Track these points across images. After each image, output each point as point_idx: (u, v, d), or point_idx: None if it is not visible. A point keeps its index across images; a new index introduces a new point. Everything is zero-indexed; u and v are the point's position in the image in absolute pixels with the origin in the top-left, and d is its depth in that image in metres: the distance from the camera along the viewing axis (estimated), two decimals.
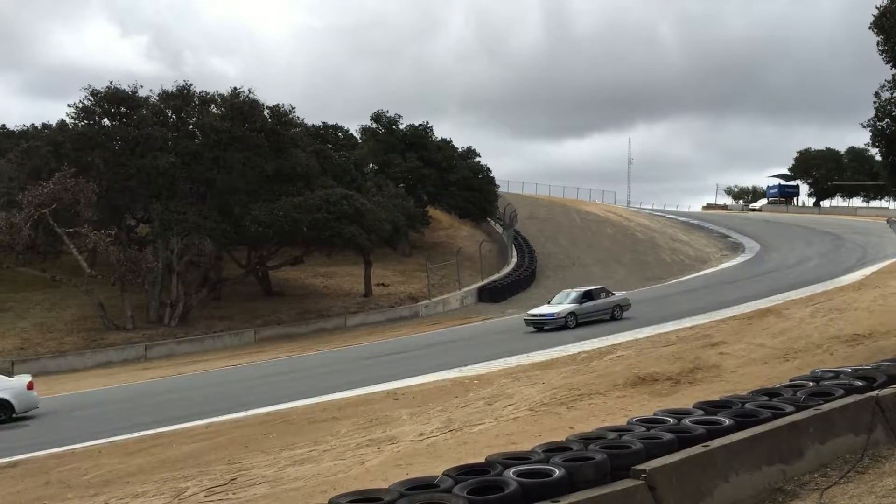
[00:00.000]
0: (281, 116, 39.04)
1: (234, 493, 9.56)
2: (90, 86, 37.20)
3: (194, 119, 38.44)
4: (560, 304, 27.53)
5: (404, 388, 16.92)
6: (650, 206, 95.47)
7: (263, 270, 42.18)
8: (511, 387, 15.58)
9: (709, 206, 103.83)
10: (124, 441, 14.07)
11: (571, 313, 26.80)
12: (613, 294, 28.82)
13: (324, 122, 52.93)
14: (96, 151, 35.75)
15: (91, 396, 22.10)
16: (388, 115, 55.07)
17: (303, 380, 20.89)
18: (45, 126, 41.15)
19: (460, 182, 54.07)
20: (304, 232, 36.58)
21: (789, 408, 7.73)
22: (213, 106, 38.86)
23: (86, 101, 36.37)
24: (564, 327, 26.17)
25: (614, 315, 27.31)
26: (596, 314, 27.05)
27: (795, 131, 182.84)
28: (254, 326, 36.80)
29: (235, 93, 38.45)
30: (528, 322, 27.25)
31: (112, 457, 12.73)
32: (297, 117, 40.38)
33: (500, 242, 55.39)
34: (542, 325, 26.61)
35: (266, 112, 38.72)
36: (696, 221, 74.96)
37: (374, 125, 55.24)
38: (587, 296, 27.57)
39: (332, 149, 47.13)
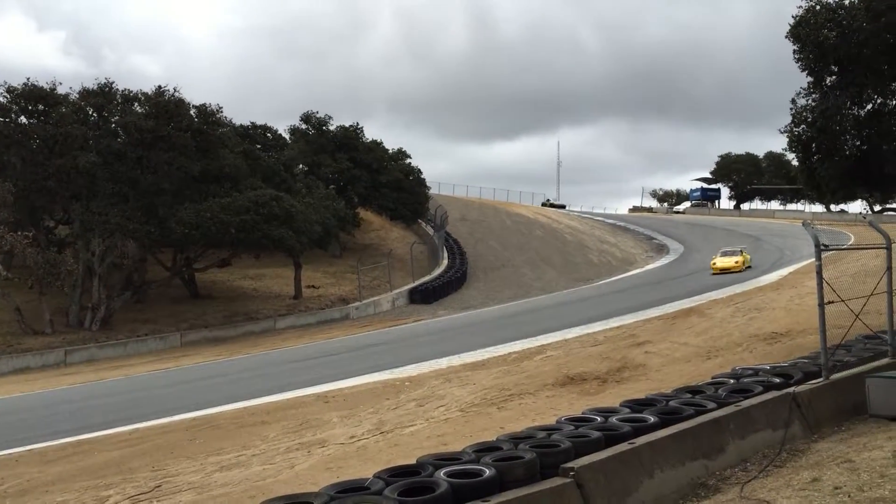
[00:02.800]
0: (208, 116, 38.32)
1: (158, 501, 9.33)
2: (6, 82, 35.78)
3: (117, 117, 37.39)
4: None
5: (335, 391, 16.80)
6: (578, 209, 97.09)
7: (190, 273, 41.34)
8: (442, 388, 15.62)
9: (635, 209, 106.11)
10: (43, 449, 13.58)
11: None
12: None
13: (252, 123, 52.06)
14: (12, 150, 34.44)
15: (7, 403, 21.26)
16: (317, 115, 54.64)
17: (230, 384, 20.60)
18: None
19: (391, 183, 54.01)
20: (233, 234, 35.99)
21: (711, 405, 7.95)
22: (136, 104, 37.86)
23: (1, 98, 35.04)
24: None
25: None
26: None
27: (716, 136, 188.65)
28: (180, 330, 36.02)
29: (160, 91, 37.57)
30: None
31: (30, 465, 12.27)
32: (225, 117, 39.70)
33: (432, 244, 55.51)
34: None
35: (192, 111, 37.92)
36: (622, 223, 76.51)
37: (304, 126, 54.73)
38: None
39: (261, 149, 46.48)
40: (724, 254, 39.51)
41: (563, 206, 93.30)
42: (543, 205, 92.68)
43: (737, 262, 37.65)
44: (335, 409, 14.50)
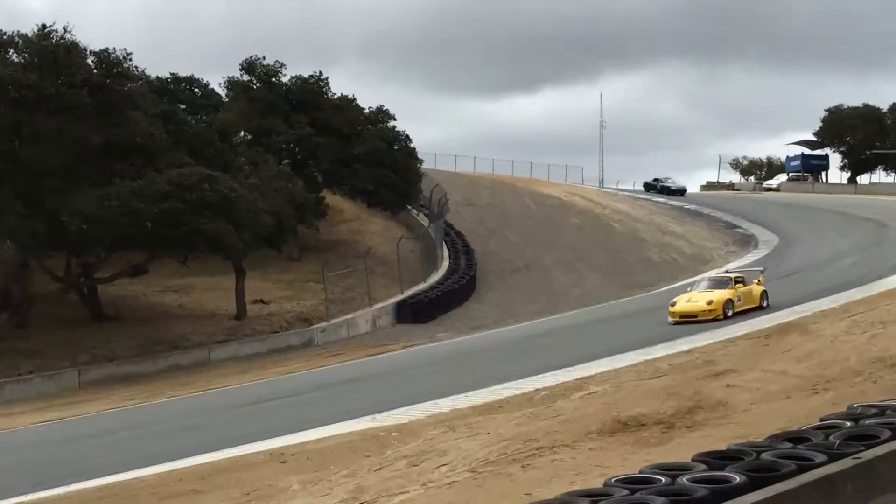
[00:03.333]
0: (112, 66, 38.29)
1: None
2: None
3: None
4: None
5: (295, 447, 16.78)
6: (630, 187, 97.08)
7: (90, 285, 41.30)
8: (444, 440, 15.61)
9: (709, 186, 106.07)
10: None
11: None
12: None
13: (173, 75, 52.19)
14: None
15: None
16: (264, 63, 54.54)
17: (151, 438, 20.54)
18: None
19: (369, 156, 53.92)
20: (149, 229, 35.96)
21: (820, 457, 7.94)
22: (11, 51, 37.87)
23: None
24: None
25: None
26: None
27: (821, 84, 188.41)
28: (77, 365, 35.98)
29: (45, 33, 37.55)
30: None
31: None
32: (136, 67, 39.69)
33: (427, 239, 55.48)
34: None
35: (90, 60, 37.92)
36: (692, 206, 76.46)
37: (246, 77, 54.62)
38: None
39: (187, 111, 46.48)
40: (710, 285, 31.34)
41: (681, 192, 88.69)
42: (649, 188, 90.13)
43: (711, 305, 29.11)
44: (295, 472, 14.47)
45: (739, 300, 29.86)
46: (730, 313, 29.05)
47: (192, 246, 38.02)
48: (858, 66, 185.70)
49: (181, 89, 51.70)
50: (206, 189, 36.51)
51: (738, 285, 30.45)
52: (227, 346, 38.85)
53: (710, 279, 33.40)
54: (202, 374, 34.96)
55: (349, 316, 42.80)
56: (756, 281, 31.77)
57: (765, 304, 30.45)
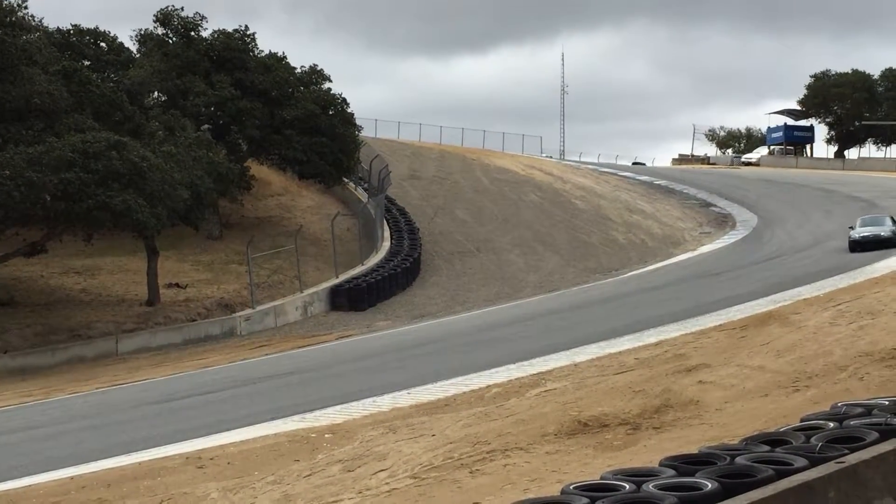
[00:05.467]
0: (3, 15, 37.74)
1: None
2: None
3: None
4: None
5: (214, 450, 16.71)
6: (594, 159, 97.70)
7: None
8: (383, 442, 15.63)
9: (682, 159, 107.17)
10: None
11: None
12: None
13: (76, 26, 51.38)
14: None
15: None
16: (181, 14, 54.03)
17: (49, 440, 20.30)
18: None
19: (301, 122, 53.64)
20: (47, 202, 35.54)
21: (800, 461, 8.06)
22: None
23: None
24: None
25: None
26: None
27: (805, 46, 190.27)
28: None
29: None
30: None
31: None
32: (32, 17, 39.19)
33: (365, 217, 55.46)
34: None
35: None
36: (663, 182, 77.08)
37: (161, 31, 54.10)
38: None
39: (92, 68, 45.87)
40: None
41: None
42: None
43: None
44: (214, 479, 14.43)
45: None
46: None
47: (97, 222, 37.61)
48: (847, 28, 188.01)
49: (85, 43, 50.95)
50: (113, 157, 36.13)
51: None
52: (137, 335, 38.57)
53: None
54: (109, 367, 34.71)
55: (277, 302, 42.66)
56: None
57: None
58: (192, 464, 15.74)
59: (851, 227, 43.00)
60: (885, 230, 41.42)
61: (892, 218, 43.64)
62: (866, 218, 44.64)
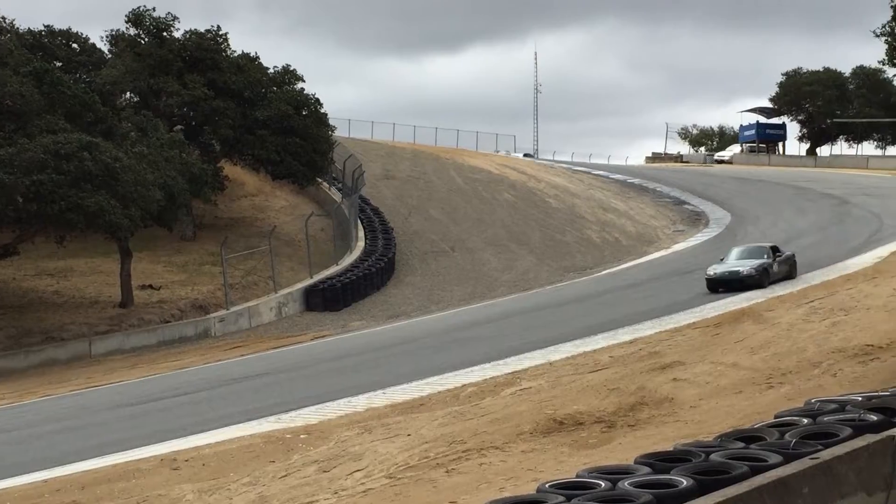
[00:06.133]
0: None
1: None
2: None
3: None
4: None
5: (189, 451, 16.67)
6: (568, 159, 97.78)
7: None
8: (359, 442, 15.61)
9: (655, 158, 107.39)
10: None
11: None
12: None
13: (48, 27, 51.15)
14: None
15: None
16: (153, 15, 53.78)
17: (22, 443, 20.23)
18: None
19: (274, 122, 53.50)
20: (19, 204, 35.37)
21: (775, 458, 8.08)
22: None
23: None
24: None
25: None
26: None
27: (778, 44, 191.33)
28: None
29: None
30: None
31: None
32: (3, 18, 39.03)
33: (340, 217, 55.35)
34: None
35: None
36: (636, 181, 77.26)
37: (133, 31, 53.81)
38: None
39: (64, 69, 45.66)
40: None
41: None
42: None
43: None
44: (189, 480, 14.38)
45: None
46: None
47: (70, 223, 37.42)
48: (818, 26, 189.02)
49: (57, 44, 50.75)
50: (86, 158, 35.97)
51: None
52: (110, 337, 38.37)
53: None
54: (82, 369, 34.53)
55: (251, 303, 42.53)
56: None
57: None
58: (167, 465, 15.69)
59: (722, 259, 34.46)
60: (746, 267, 32.44)
61: (773, 249, 34.32)
62: (740, 249, 35.45)
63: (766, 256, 33.27)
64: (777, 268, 33.03)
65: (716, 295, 30.71)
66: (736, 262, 33.25)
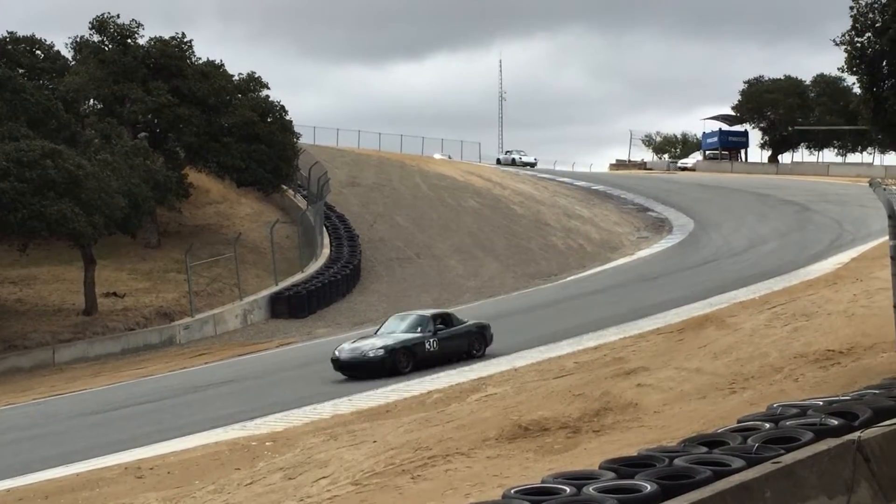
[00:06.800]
0: None
1: None
2: None
3: None
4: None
5: (154, 459, 16.61)
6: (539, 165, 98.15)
7: None
8: (324, 449, 15.59)
9: (619, 165, 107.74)
10: None
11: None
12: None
13: (11, 34, 50.80)
14: None
15: None
16: (117, 21, 53.55)
17: None
18: None
19: (239, 129, 53.37)
20: None
21: (737, 462, 8.13)
22: None
23: None
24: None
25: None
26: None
27: (739, 52, 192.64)
28: None
29: None
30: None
31: None
32: None
33: (305, 224, 55.20)
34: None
35: None
36: (600, 188, 77.50)
37: (97, 38, 53.52)
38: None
39: (26, 75, 45.37)
40: None
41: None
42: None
43: None
44: (154, 489, 14.31)
45: None
46: None
47: (32, 231, 37.24)
48: (778, 32, 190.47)
49: (20, 51, 50.41)
50: (48, 166, 35.81)
51: None
52: (74, 345, 38.16)
53: None
54: (46, 377, 34.34)
55: (216, 310, 42.37)
56: None
57: None
58: (131, 474, 15.62)
59: (377, 330, 27.36)
60: (375, 349, 24.80)
61: (440, 318, 26.83)
62: (400, 317, 27.87)
63: (419, 330, 25.93)
64: (436, 346, 25.55)
65: (678, 298, 30.76)
66: (379, 338, 25.82)
